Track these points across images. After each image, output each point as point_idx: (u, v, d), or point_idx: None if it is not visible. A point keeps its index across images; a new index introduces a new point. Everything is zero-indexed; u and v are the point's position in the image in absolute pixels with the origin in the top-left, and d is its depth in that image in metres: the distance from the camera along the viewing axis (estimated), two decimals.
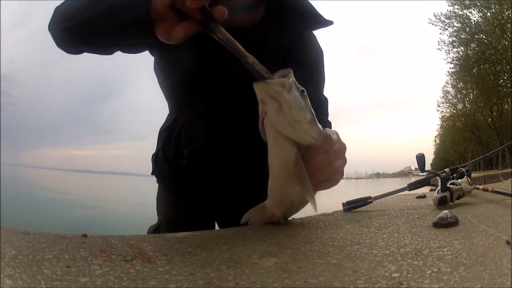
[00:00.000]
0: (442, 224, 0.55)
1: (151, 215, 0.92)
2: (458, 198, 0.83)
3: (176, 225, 0.80)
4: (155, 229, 0.86)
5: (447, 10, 18.30)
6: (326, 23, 0.71)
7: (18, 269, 0.30)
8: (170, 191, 0.86)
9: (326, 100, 0.81)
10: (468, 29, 17.78)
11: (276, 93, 0.46)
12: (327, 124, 0.78)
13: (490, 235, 0.47)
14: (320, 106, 0.78)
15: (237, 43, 0.46)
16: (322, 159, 0.51)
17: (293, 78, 0.48)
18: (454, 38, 18.84)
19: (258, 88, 0.47)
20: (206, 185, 0.78)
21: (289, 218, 0.69)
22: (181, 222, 0.82)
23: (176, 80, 0.69)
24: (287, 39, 0.69)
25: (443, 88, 26.40)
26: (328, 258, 0.41)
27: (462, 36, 18.33)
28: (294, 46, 0.70)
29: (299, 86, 0.49)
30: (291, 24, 0.69)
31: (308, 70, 0.71)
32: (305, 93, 0.49)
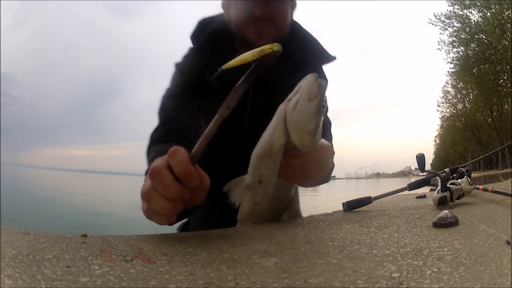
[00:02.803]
0: (442, 224, 0.55)
1: None
2: (458, 198, 0.83)
3: (201, 223, 0.81)
4: (184, 227, 0.87)
5: (447, 10, 18.30)
6: (331, 58, 0.79)
7: (18, 269, 0.30)
8: None
9: (329, 123, 0.86)
10: (468, 29, 17.76)
11: (307, 93, 0.52)
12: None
13: (490, 235, 0.47)
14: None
15: (211, 126, 0.47)
16: (299, 162, 0.56)
17: (325, 95, 0.53)
18: (454, 38, 18.83)
19: (306, 76, 0.54)
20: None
21: (287, 219, 0.69)
22: (206, 220, 0.83)
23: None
24: (299, 75, 0.72)
25: (443, 88, 26.42)
26: (328, 258, 0.41)
27: (462, 36, 18.32)
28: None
29: (325, 104, 0.53)
30: (304, 63, 0.74)
31: None
32: (324, 109, 0.53)
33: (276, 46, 0.49)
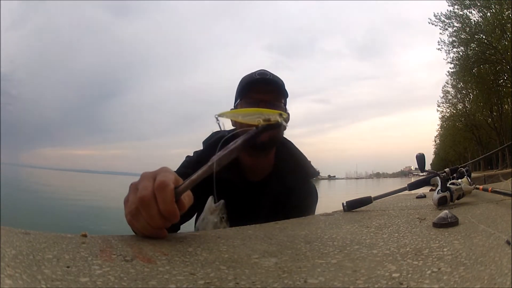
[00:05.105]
0: (442, 224, 0.55)
1: None
2: (458, 198, 0.83)
3: None
4: None
5: (447, 10, 18.25)
6: (315, 174, 0.99)
7: (18, 269, 0.30)
8: None
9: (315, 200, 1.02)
10: (468, 29, 17.73)
11: (208, 209, 0.72)
12: None
13: (490, 235, 0.47)
14: None
15: (199, 174, 0.49)
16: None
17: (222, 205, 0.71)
18: (454, 38, 18.78)
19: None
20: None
21: (286, 220, 0.69)
22: None
23: None
24: (287, 191, 0.92)
25: (443, 88, 26.38)
26: (328, 258, 0.41)
27: (462, 36, 18.27)
28: (291, 194, 0.92)
29: (224, 216, 0.70)
30: (292, 180, 0.93)
31: (298, 214, 0.84)
32: (224, 219, 0.71)
33: (280, 117, 0.50)
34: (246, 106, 0.87)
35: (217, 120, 0.54)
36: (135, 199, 0.47)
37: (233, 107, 0.94)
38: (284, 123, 0.50)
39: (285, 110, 0.93)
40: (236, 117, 0.54)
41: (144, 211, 0.46)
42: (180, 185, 0.48)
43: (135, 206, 0.47)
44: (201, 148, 0.99)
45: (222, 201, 0.71)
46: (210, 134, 1.00)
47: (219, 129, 0.59)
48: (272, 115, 0.49)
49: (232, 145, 0.49)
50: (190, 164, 0.93)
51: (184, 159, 0.99)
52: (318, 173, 1.00)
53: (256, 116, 0.50)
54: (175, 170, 0.94)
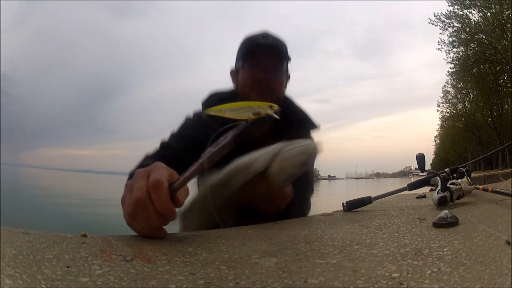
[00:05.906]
0: (442, 224, 0.55)
1: None
2: (458, 198, 0.83)
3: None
4: None
5: (447, 10, 18.22)
6: (315, 127, 0.96)
7: (18, 269, 0.30)
8: None
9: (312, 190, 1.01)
10: (468, 29, 17.71)
11: (306, 146, 0.66)
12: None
13: (490, 235, 0.47)
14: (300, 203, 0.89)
15: (192, 171, 0.49)
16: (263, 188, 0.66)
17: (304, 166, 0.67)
18: (454, 38, 18.76)
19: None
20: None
21: (286, 220, 0.69)
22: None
23: None
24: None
25: (443, 88, 26.37)
26: (328, 258, 0.41)
27: (462, 36, 18.26)
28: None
29: (304, 168, 0.66)
30: (293, 133, 0.87)
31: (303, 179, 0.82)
32: (303, 169, 0.66)
33: (271, 110, 0.49)
34: (248, 70, 0.88)
35: (208, 117, 0.54)
36: (131, 200, 0.47)
37: (233, 68, 0.94)
38: (275, 115, 0.49)
39: (288, 73, 0.93)
40: (224, 112, 0.52)
41: (141, 212, 0.46)
42: (174, 181, 0.48)
43: (132, 207, 0.47)
44: (200, 110, 0.95)
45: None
46: (208, 95, 0.97)
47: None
48: (262, 108, 0.49)
49: (223, 140, 0.49)
50: (185, 139, 0.87)
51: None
52: (318, 126, 0.97)
53: (245, 110, 0.49)
54: (174, 132, 0.91)
